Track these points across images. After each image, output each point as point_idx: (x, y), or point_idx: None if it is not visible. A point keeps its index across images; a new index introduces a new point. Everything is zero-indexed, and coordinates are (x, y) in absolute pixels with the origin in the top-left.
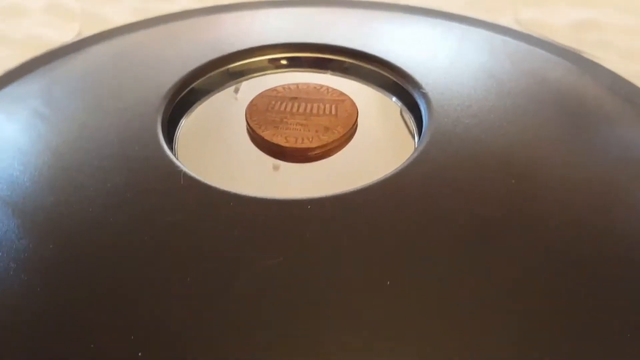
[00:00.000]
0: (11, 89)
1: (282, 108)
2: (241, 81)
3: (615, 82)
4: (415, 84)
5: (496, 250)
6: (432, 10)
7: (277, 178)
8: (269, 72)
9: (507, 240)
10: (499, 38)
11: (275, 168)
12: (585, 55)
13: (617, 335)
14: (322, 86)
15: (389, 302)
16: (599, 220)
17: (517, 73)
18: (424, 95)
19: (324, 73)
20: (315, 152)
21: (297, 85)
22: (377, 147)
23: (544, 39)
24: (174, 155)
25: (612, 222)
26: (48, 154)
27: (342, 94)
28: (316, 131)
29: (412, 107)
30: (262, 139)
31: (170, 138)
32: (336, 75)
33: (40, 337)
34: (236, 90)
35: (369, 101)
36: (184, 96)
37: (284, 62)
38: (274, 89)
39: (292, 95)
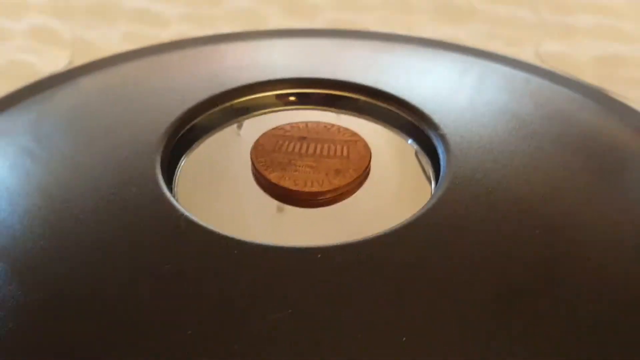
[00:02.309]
0: None
1: (290, 148)
2: (245, 118)
3: None
4: (433, 125)
5: (517, 310)
6: (449, 44)
7: (284, 223)
8: (276, 109)
9: (531, 300)
10: (521, 75)
11: (282, 212)
12: (612, 95)
13: None
14: (333, 125)
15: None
16: (635, 277)
17: (540, 114)
18: (442, 137)
19: (335, 111)
20: (326, 196)
21: (307, 124)
22: (391, 192)
23: (568, 76)
24: (174, 197)
25: None
26: (38, 194)
27: (354, 134)
28: (326, 174)
29: (429, 149)
30: (269, 181)
31: (169, 179)
32: (348, 114)
33: None
34: (240, 128)
35: (383, 142)
36: (185, 134)
37: (292, 98)
38: (281, 128)
39: (301, 135)
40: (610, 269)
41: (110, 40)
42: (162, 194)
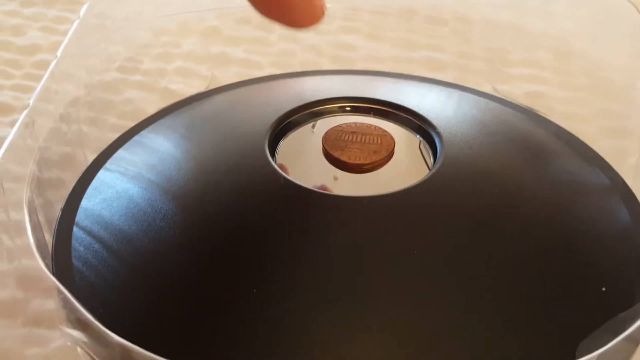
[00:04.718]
0: (165, 120)
1: (346, 138)
2: (319, 119)
3: (558, 131)
4: (432, 126)
5: (488, 236)
6: (440, 81)
7: (342, 182)
8: (337, 114)
9: (493, 229)
10: (484, 100)
11: (340, 177)
12: (537, 112)
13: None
14: (371, 125)
15: (414, 266)
16: (549, 215)
17: (496, 122)
18: (438, 134)
19: (373, 117)
20: (367, 167)
21: (356, 123)
22: (405, 166)
23: (513, 101)
24: (276, 165)
25: (558, 217)
26: (192, 161)
27: (384, 130)
28: (367, 153)
29: (430, 141)
30: (333, 157)
31: (272, 154)
32: (380, 118)
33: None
34: (314, 126)
35: (401, 136)
36: (282, 127)
37: (347, 108)
38: (340, 125)
39: (352, 130)
40: (531, 211)
41: (229, 74)
42: (269, 163)
